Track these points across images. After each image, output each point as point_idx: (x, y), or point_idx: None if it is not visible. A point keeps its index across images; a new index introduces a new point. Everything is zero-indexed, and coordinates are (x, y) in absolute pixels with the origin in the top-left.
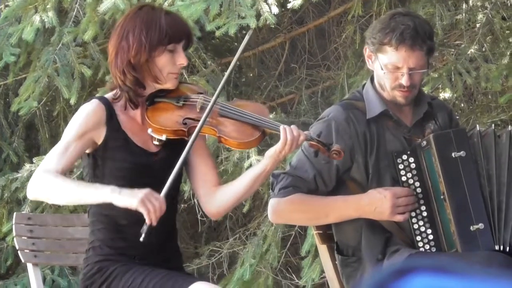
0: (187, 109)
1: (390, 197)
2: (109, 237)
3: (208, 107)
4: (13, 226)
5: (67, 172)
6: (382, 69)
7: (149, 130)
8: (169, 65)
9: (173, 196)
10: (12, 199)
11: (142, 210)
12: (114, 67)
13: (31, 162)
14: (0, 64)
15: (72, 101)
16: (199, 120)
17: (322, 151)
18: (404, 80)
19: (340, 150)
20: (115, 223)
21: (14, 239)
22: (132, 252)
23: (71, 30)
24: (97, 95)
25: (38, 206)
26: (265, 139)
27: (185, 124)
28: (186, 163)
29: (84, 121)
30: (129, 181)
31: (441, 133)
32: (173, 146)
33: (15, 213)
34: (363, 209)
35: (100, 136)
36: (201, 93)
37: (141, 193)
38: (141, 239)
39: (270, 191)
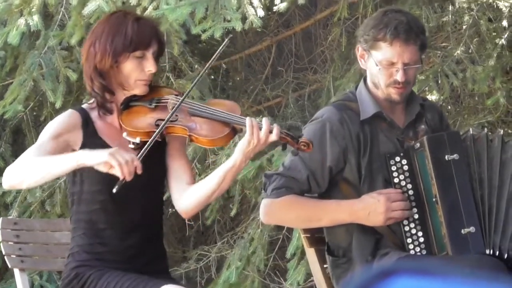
0: (159, 110)
1: (384, 201)
2: (88, 242)
3: (176, 105)
4: (0, 232)
5: None
6: (376, 65)
7: (124, 134)
8: (136, 71)
9: (157, 200)
10: None
11: (112, 163)
12: (84, 73)
13: None
14: None
15: (58, 105)
16: (171, 121)
17: (291, 143)
18: (399, 76)
19: (308, 142)
20: (95, 228)
21: (1, 244)
22: (112, 257)
23: (56, 34)
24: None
25: (26, 210)
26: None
27: (157, 125)
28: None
29: (58, 124)
30: (107, 185)
31: (434, 136)
32: (150, 149)
33: (1, 218)
34: (357, 213)
35: (76, 141)
36: (176, 95)
37: (109, 150)
38: (114, 190)
39: (263, 191)
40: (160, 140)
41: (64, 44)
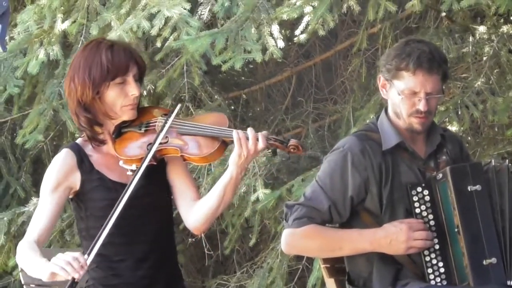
0: (149, 134)
1: (406, 230)
2: (103, 275)
3: (161, 130)
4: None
5: (48, 230)
6: (399, 94)
7: (120, 162)
8: (120, 98)
9: (165, 224)
10: (19, 233)
11: (54, 270)
12: (69, 109)
13: (39, 197)
14: (4, 96)
15: (78, 135)
16: (161, 143)
17: (281, 148)
18: (421, 105)
19: (297, 145)
20: (107, 261)
21: (20, 274)
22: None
23: None
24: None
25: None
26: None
27: (149, 150)
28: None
29: (55, 175)
30: (115, 221)
31: (457, 166)
32: (149, 173)
33: None
34: (379, 242)
35: (76, 182)
36: (164, 114)
37: (52, 259)
38: None
39: (284, 221)
40: (155, 163)
41: None
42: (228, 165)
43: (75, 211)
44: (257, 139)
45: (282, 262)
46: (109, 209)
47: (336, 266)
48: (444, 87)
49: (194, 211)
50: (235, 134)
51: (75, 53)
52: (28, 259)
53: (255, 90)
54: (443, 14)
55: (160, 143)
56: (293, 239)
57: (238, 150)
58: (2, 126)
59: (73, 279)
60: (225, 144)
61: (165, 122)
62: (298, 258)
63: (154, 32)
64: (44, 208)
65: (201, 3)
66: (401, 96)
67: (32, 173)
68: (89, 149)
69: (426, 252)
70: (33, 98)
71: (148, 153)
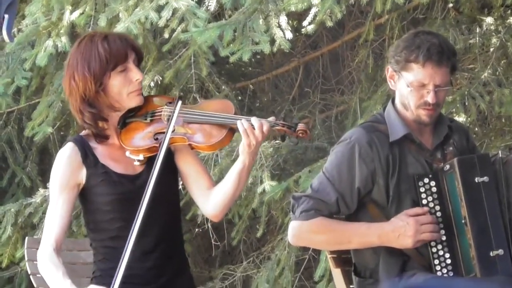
0: (155, 123)
1: (413, 224)
2: (110, 266)
3: (170, 120)
4: (25, 251)
5: (64, 231)
6: (408, 86)
7: (127, 153)
8: (125, 85)
9: (173, 214)
10: (26, 224)
11: None
12: (71, 108)
13: (45, 187)
14: (12, 88)
15: None
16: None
17: (289, 133)
18: (430, 97)
19: (305, 129)
20: (115, 253)
21: (27, 263)
22: (135, 280)
23: None
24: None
25: None
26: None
27: (156, 139)
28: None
29: (62, 174)
30: (119, 212)
31: (465, 158)
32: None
33: (27, 238)
34: (387, 236)
35: (82, 177)
36: (169, 103)
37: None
38: None
39: (291, 213)
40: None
41: None
42: (238, 155)
43: (82, 204)
44: (262, 126)
45: (290, 254)
46: (115, 203)
47: (343, 256)
48: (451, 79)
49: (211, 199)
50: (241, 125)
51: None
52: (51, 275)
53: (262, 81)
54: (450, 5)
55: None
56: (300, 232)
57: (246, 141)
58: (9, 116)
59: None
60: (232, 131)
61: (173, 112)
62: (305, 248)
63: (161, 23)
64: (56, 208)
65: None
66: (410, 88)
67: (38, 163)
68: (93, 142)
69: (432, 244)
70: (41, 89)
71: (162, 145)
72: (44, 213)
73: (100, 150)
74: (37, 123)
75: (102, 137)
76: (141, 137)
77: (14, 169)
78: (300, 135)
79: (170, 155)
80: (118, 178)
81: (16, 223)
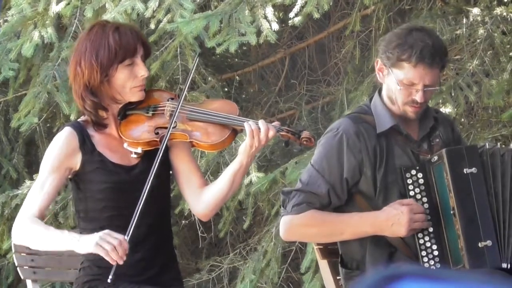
0: (157, 118)
1: (407, 213)
2: (99, 257)
3: (173, 115)
4: (12, 243)
5: (46, 208)
6: (398, 84)
7: (125, 145)
8: (130, 79)
9: (163, 207)
10: (12, 216)
11: (100, 252)
12: (74, 93)
13: (31, 179)
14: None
15: (72, 117)
16: (171, 128)
17: (293, 139)
18: (418, 97)
19: (310, 137)
20: None
21: (13, 255)
22: (123, 270)
23: (70, 45)
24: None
25: None
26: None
27: (157, 134)
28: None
29: (55, 154)
30: (111, 201)
31: (453, 149)
32: (153, 157)
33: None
34: (380, 225)
35: (76, 162)
36: (171, 98)
37: (97, 236)
38: (109, 280)
39: (282, 208)
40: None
41: None
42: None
43: (74, 192)
44: (268, 130)
45: (277, 245)
46: (109, 191)
47: (329, 247)
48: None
49: (203, 198)
50: (247, 126)
51: (69, 35)
52: (41, 234)
53: (248, 72)
54: None
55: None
56: (292, 226)
57: (249, 141)
58: None
59: (117, 264)
60: (235, 132)
61: (176, 107)
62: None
63: (148, 14)
64: (43, 186)
65: None
66: (399, 87)
67: (24, 154)
68: (91, 129)
69: (420, 235)
70: (28, 81)
71: (164, 140)
72: None
73: (97, 138)
74: (23, 114)
75: (100, 125)
76: (141, 130)
77: (1, 160)
78: (304, 142)
79: (166, 150)
80: (113, 167)
81: (2, 215)
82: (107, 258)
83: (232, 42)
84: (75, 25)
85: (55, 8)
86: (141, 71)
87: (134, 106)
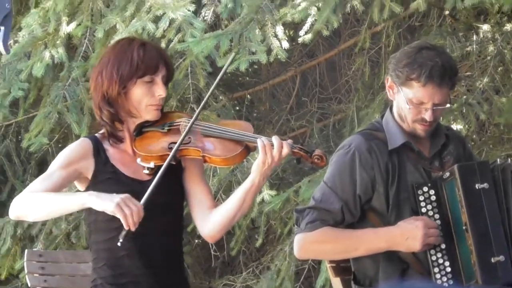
0: (172, 134)
1: (422, 227)
2: (111, 274)
3: (187, 126)
4: (25, 264)
5: None
6: (407, 103)
7: (138, 160)
8: (146, 96)
9: (175, 225)
10: (25, 236)
11: (118, 214)
12: (93, 103)
13: None
14: (9, 99)
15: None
16: (184, 143)
17: (305, 158)
18: (427, 115)
19: (322, 155)
20: (115, 257)
21: (26, 276)
22: (134, 287)
23: (80, 65)
24: None
25: (51, 243)
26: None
27: (170, 148)
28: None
29: (68, 153)
30: None
31: (465, 164)
32: (166, 173)
33: (26, 250)
34: (394, 239)
35: (88, 169)
36: (188, 118)
37: (118, 197)
38: (119, 243)
39: (295, 226)
40: (174, 163)
41: (88, 75)
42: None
43: None
44: (282, 147)
45: (290, 264)
46: None
47: (342, 265)
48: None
49: (211, 219)
50: (260, 142)
51: (79, 55)
52: (45, 195)
53: (259, 90)
54: (446, 12)
55: (183, 143)
56: (306, 243)
57: (262, 157)
58: (7, 129)
59: (129, 230)
60: (248, 150)
61: (192, 120)
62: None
63: (158, 34)
64: (48, 177)
65: (205, 4)
66: (409, 106)
67: (37, 176)
68: (106, 144)
69: (432, 252)
70: (39, 101)
71: (175, 149)
72: (43, 225)
73: (111, 152)
74: (34, 134)
75: (116, 138)
76: (155, 145)
77: (13, 182)
78: (316, 160)
79: (180, 170)
80: (125, 179)
81: (15, 235)
82: (123, 221)
83: (242, 61)
84: (85, 45)
85: (65, 29)
86: (159, 90)
87: (150, 124)
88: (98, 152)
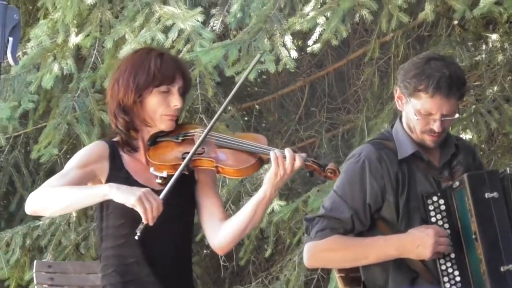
0: (186, 144)
1: (433, 235)
2: (119, 280)
3: (202, 136)
4: (34, 274)
5: None
6: (415, 114)
7: (151, 169)
8: (162, 106)
9: (185, 234)
10: (33, 247)
11: (139, 207)
12: (108, 111)
13: None
14: (19, 111)
15: None
16: (198, 153)
17: (318, 171)
18: (436, 126)
19: (335, 169)
20: (124, 263)
21: (35, 287)
22: None
23: (89, 76)
24: None
25: (60, 254)
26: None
27: (183, 158)
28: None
29: (85, 153)
30: (130, 219)
31: (475, 173)
32: (178, 184)
33: (35, 261)
34: (405, 247)
35: (102, 172)
36: (202, 130)
37: (140, 191)
38: (136, 237)
39: (305, 235)
40: (187, 173)
41: (97, 86)
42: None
43: (97, 210)
44: (294, 159)
45: (300, 273)
46: (129, 209)
47: (351, 275)
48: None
49: (221, 231)
50: (273, 153)
51: (88, 66)
52: (64, 189)
53: (268, 101)
54: (455, 22)
55: (197, 153)
56: (316, 252)
57: (274, 169)
58: (16, 140)
59: (147, 224)
60: (261, 161)
61: (206, 130)
62: (313, 268)
63: (168, 44)
64: (65, 176)
65: (213, 14)
66: (417, 117)
67: None
68: (121, 151)
69: (441, 261)
70: (48, 112)
71: (188, 158)
72: (52, 235)
73: (126, 159)
74: (43, 146)
75: (130, 147)
76: (169, 154)
77: (22, 193)
78: (329, 174)
79: (192, 182)
80: (138, 186)
81: (24, 246)
82: (143, 215)
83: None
84: (94, 55)
85: (74, 40)
86: (175, 101)
87: (164, 134)
88: (114, 156)
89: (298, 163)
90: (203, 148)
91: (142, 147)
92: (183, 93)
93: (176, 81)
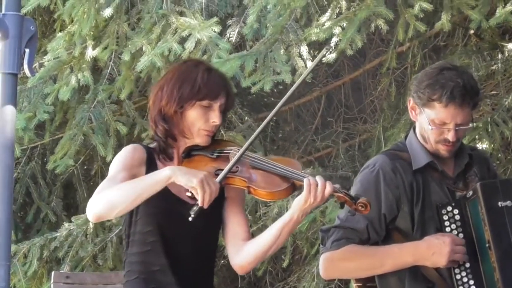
0: (220, 161)
1: (449, 243)
2: (143, 286)
3: (236, 156)
4: (51, 285)
5: None
6: (429, 124)
7: None
8: (201, 120)
9: (209, 248)
10: (51, 258)
11: (199, 189)
12: (149, 116)
13: (70, 221)
14: (34, 122)
15: (108, 159)
16: (232, 172)
17: (349, 204)
18: (450, 136)
19: (366, 203)
20: (148, 271)
21: None
22: None
23: (105, 88)
24: None
25: (78, 265)
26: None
27: (216, 175)
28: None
29: (127, 156)
30: (158, 227)
31: (488, 182)
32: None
33: (53, 272)
34: (421, 254)
35: (140, 176)
36: (238, 148)
37: (201, 173)
38: (190, 218)
39: (321, 246)
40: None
41: (113, 97)
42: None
43: (127, 215)
44: (325, 187)
45: (318, 284)
46: (160, 216)
47: (368, 284)
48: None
49: (244, 251)
50: (306, 180)
51: (105, 77)
52: (125, 184)
53: (284, 111)
54: (471, 31)
55: (231, 171)
56: (332, 262)
57: (306, 196)
58: (32, 151)
59: (201, 207)
60: (293, 187)
61: (242, 150)
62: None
63: (185, 55)
64: (114, 180)
65: (230, 25)
66: (432, 127)
67: (63, 198)
68: (157, 158)
69: (456, 271)
70: (64, 123)
71: (223, 175)
72: (70, 247)
73: (160, 167)
74: (59, 157)
75: (166, 155)
76: (202, 169)
77: (39, 204)
78: (360, 207)
79: (222, 199)
80: (171, 195)
81: (41, 258)
82: (200, 197)
83: (267, 81)
84: (110, 67)
85: (91, 53)
86: (215, 117)
87: (200, 148)
88: (150, 162)
89: (328, 190)
90: (237, 167)
91: (176, 158)
92: (224, 111)
93: (220, 98)
